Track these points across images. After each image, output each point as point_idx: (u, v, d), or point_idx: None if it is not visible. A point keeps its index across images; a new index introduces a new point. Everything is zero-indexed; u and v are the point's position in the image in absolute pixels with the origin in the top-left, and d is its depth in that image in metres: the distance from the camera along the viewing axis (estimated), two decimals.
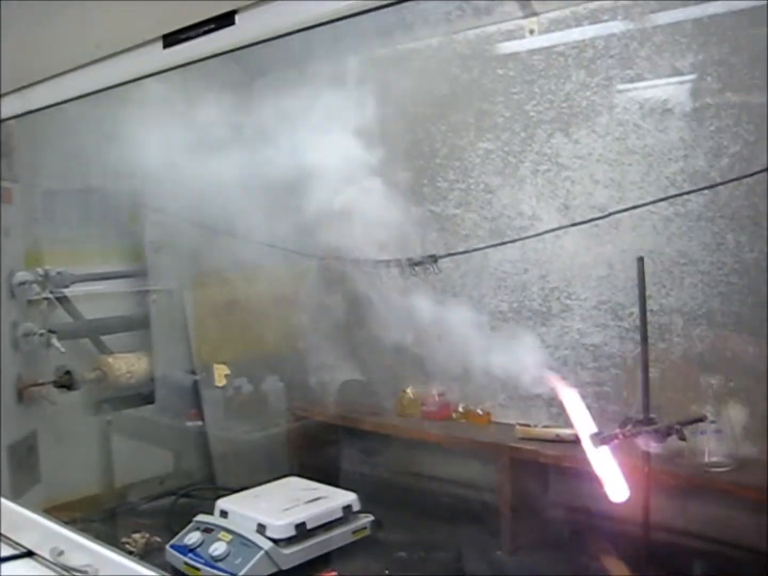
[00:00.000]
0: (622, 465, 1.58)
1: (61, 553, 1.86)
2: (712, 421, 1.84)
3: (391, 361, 2.51)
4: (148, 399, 2.71)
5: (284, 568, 1.96)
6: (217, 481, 2.69)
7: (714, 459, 1.85)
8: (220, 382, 2.40)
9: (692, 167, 1.93)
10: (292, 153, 2.10)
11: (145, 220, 2.77)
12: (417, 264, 1.75)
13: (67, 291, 2.56)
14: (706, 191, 1.90)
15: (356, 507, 2.16)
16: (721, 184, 1.82)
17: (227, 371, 2.37)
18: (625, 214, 2.01)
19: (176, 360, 2.80)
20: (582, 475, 1.75)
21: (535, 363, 1.84)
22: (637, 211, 2.00)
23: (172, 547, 2.06)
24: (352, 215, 2.10)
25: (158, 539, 2.19)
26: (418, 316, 2.04)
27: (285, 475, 2.41)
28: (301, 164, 2.10)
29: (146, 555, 2.13)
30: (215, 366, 2.41)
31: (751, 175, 1.78)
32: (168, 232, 2.71)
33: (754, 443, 1.90)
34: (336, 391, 2.58)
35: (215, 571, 1.91)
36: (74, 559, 1.84)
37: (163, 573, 1.72)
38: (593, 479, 1.60)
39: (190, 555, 1.99)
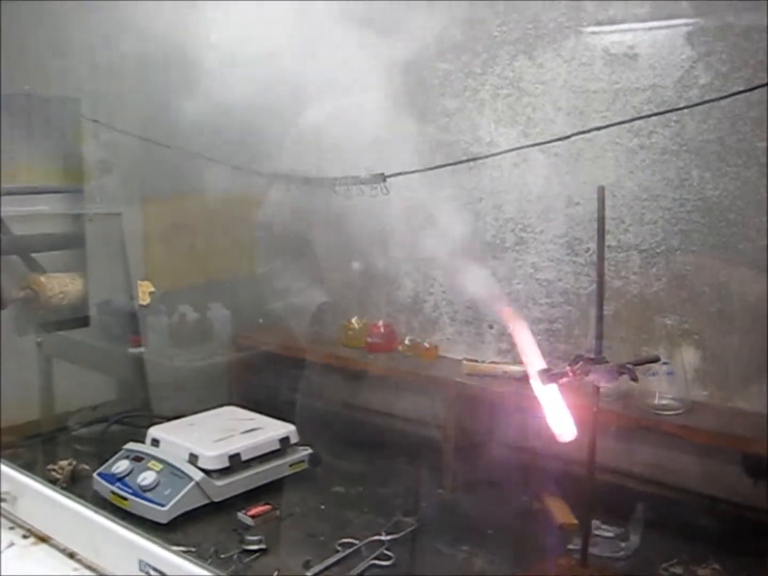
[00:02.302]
0: (571, 404, 1.52)
1: None
2: (665, 363, 1.79)
3: (340, 289, 2.43)
4: (82, 322, 2.59)
5: (216, 500, 1.89)
6: (153, 408, 2.59)
7: (664, 402, 1.80)
8: (144, 299, 2.28)
9: (660, 98, 1.84)
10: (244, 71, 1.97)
11: (92, 138, 2.61)
12: (364, 182, 1.64)
13: None
14: (673, 123, 1.81)
15: (294, 439, 2.09)
16: (686, 107, 1.73)
17: (152, 288, 2.25)
18: (588, 144, 1.93)
19: (115, 284, 2.67)
20: (529, 413, 1.70)
21: (486, 296, 1.77)
22: (600, 141, 1.92)
23: (99, 475, 1.98)
24: (305, 135, 1.99)
25: (86, 467, 2.10)
26: (368, 242, 1.95)
27: (223, 405, 2.33)
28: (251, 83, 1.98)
29: (73, 483, 2.05)
30: (139, 283, 2.28)
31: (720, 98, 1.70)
32: (116, 152, 2.56)
33: (704, 387, 1.86)
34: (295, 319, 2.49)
35: (143, 501, 1.84)
36: None
37: (82, 501, 1.64)
38: (540, 418, 1.54)
39: (118, 484, 1.91)
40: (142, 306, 2.32)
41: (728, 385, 1.85)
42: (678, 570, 1.61)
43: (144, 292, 2.26)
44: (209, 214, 2.62)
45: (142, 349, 2.61)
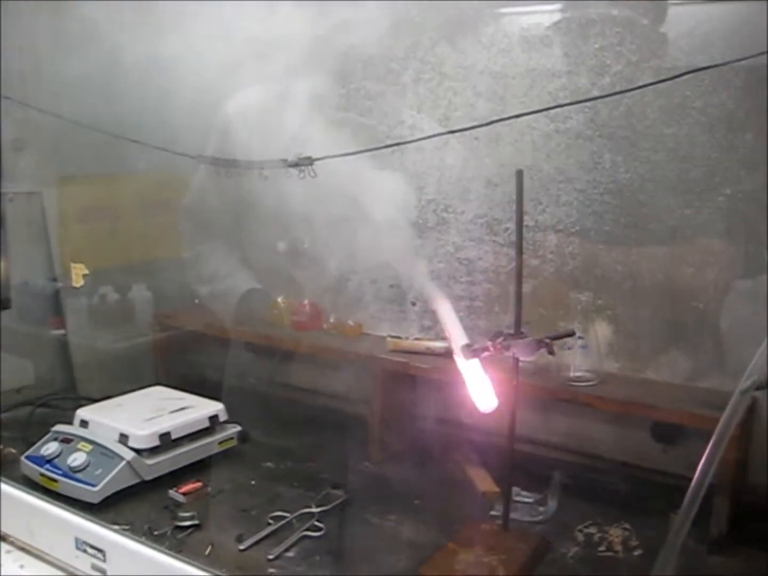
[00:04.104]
0: (492, 378, 1.60)
1: None
2: (580, 337, 1.88)
3: (266, 269, 2.45)
4: (3, 304, 2.55)
5: (147, 478, 1.91)
6: (79, 390, 2.58)
7: (579, 374, 1.89)
8: (78, 282, 2.27)
9: (575, 84, 1.92)
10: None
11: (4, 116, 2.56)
12: (292, 165, 1.67)
13: None
14: (587, 109, 1.89)
15: (223, 417, 2.12)
16: (602, 97, 1.82)
17: (85, 270, 2.24)
18: (506, 128, 1.99)
19: (36, 264, 2.64)
20: (451, 387, 1.77)
21: (411, 274, 1.82)
22: (518, 126, 1.98)
23: (27, 458, 1.97)
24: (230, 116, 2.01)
25: (13, 450, 2.09)
26: (292, 223, 1.98)
27: (151, 385, 2.34)
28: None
29: None
30: (72, 265, 2.27)
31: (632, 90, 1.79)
32: (31, 130, 2.52)
33: (617, 359, 1.96)
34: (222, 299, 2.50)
35: (73, 482, 1.84)
36: None
37: (13, 483, 1.65)
38: (461, 392, 1.61)
39: (47, 466, 1.90)
40: (74, 287, 2.30)
41: (639, 357, 1.95)
42: (592, 530, 1.71)
43: (78, 274, 2.25)
44: (132, 195, 2.60)
45: (62, 331, 2.59)
